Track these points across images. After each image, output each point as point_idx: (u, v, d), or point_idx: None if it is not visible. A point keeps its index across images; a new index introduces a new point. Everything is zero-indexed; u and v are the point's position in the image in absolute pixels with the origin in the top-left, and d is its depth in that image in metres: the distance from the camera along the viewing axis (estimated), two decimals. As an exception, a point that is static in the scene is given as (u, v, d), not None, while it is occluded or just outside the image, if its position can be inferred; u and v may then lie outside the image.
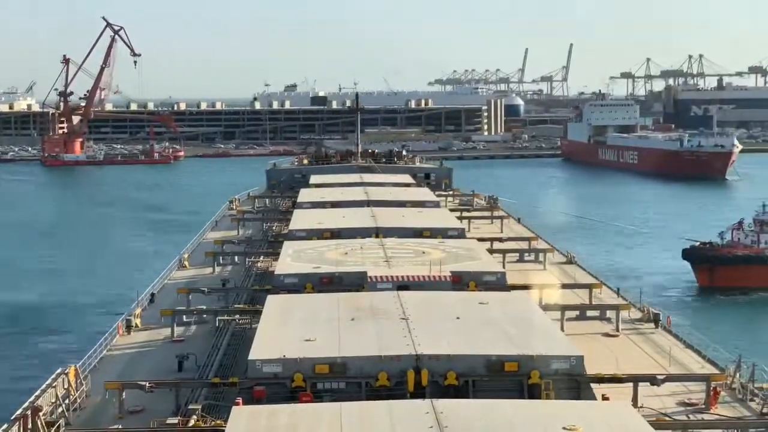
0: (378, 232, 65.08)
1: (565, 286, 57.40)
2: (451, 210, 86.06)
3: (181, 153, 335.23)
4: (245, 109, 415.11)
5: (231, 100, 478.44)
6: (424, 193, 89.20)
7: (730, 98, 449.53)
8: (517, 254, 69.48)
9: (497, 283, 51.19)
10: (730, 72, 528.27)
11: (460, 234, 66.57)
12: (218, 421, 34.33)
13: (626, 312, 52.27)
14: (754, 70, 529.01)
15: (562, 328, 46.07)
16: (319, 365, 35.44)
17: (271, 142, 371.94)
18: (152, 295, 59.08)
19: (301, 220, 71.24)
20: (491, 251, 63.16)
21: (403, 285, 48.98)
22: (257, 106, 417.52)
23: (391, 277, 50.11)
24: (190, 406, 36.69)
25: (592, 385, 36.66)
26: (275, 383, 35.17)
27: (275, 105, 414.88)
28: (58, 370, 38.96)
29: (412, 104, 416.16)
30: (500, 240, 73.29)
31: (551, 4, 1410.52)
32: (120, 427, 36.04)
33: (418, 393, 34.63)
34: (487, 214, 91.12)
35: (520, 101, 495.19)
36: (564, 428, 28.79)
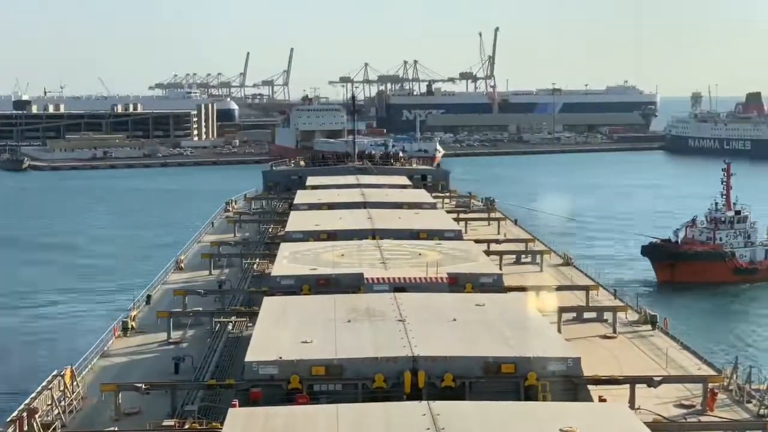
0: (374, 234, 65.04)
1: (562, 288, 57.47)
2: (448, 212, 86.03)
3: None
4: None
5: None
6: (421, 195, 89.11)
7: (438, 103, 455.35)
8: (514, 256, 69.50)
9: (494, 285, 51.17)
10: (444, 77, 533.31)
11: (457, 236, 66.53)
12: (214, 423, 34.31)
13: (623, 314, 52.26)
14: (465, 76, 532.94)
15: (559, 330, 46.04)
16: (316, 367, 35.38)
17: None
18: (148, 297, 58.97)
19: (297, 221, 71.17)
20: (488, 253, 63.15)
21: (400, 287, 48.91)
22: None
23: (388, 278, 50.04)
24: (187, 408, 36.72)
25: (589, 386, 36.58)
26: (271, 385, 35.09)
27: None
28: (54, 372, 38.89)
29: (119, 109, 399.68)
30: (497, 242, 73.26)
31: (276, 7, 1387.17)
32: (116, 429, 35.93)
33: (415, 395, 34.59)
34: (484, 215, 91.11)
35: (234, 106, 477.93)
36: (561, 430, 28.76)
